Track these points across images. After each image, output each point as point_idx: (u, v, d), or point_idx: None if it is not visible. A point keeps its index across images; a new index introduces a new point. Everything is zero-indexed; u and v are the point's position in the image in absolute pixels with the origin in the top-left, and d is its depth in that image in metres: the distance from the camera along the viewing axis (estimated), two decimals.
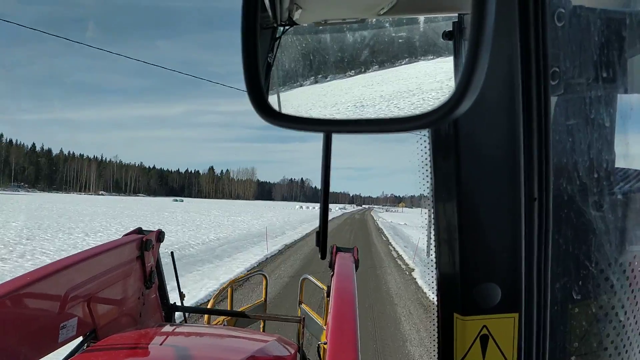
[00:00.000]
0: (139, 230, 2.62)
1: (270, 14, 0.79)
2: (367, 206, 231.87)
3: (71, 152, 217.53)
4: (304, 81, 0.89)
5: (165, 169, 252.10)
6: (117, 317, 2.30)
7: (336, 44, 0.89)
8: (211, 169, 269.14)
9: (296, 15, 0.85)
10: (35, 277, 1.74)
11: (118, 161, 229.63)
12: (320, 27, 0.89)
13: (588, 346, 0.87)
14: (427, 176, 0.92)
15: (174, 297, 3.00)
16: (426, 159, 0.92)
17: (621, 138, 0.87)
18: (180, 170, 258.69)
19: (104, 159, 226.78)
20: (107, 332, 2.06)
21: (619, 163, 0.87)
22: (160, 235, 2.68)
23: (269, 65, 0.84)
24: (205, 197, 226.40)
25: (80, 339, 2.01)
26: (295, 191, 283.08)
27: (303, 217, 53.96)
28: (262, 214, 58.96)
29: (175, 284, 3.11)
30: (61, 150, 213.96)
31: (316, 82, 0.88)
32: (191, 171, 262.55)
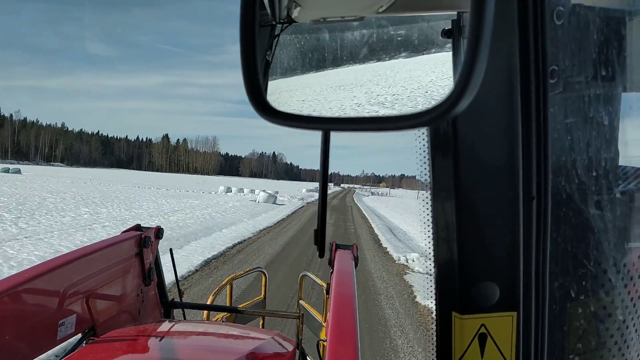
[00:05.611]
0: (137, 227, 2.61)
1: (268, 11, 0.79)
2: (346, 186, 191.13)
3: None
4: (303, 79, 0.89)
5: (114, 136, 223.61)
6: (116, 314, 2.30)
7: (335, 42, 0.89)
8: (165, 136, 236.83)
9: (295, 13, 0.84)
10: (34, 274, 1.74)
11: (20, 118, 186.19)
12: (319, 25, 0.89)
13: (587, 345, 0.87)
14: (425, 174, 0.92)
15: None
16: (424, 157, 0.92)
17: (620, 136, 0.87)
18: (130, 138, 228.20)
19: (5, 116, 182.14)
20: (106, 329, 2.06)
21: (618, 161, 0.87)
22: (159, 232, 2.68)
23: (267, 63, 0.84)
24: (156, 170, 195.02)
25: (79, 336, 2.01)
26: (266, 167, 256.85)
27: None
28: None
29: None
30: None
31: (315, 80, 0.88)
32: (142, 139, 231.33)
